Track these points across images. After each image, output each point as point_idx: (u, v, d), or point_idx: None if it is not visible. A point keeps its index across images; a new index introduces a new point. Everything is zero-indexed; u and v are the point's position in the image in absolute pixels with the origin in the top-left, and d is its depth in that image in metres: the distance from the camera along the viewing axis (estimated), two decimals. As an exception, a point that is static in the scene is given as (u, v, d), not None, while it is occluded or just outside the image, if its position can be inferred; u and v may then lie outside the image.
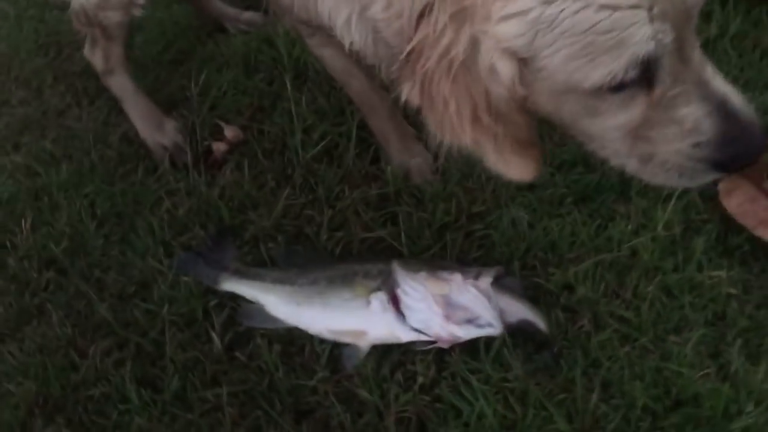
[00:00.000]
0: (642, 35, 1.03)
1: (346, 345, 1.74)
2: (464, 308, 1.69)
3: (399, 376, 1.69)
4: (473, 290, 1.69)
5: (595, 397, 1.57)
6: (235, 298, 1.89)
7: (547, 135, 2.07)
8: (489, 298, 1.68)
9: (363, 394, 1.66)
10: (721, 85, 1.14)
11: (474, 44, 1.15)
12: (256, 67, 2.58)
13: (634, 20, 1.02)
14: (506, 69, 1.14)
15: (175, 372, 1.78)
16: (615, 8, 1.02)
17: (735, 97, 1.14)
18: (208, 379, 1.77)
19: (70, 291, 2.03)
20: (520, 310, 1.68)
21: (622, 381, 1.59)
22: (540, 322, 1.67)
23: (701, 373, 1.58)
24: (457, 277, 1.73)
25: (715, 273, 1.73)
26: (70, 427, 1.74)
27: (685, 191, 1.91)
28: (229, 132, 2.35)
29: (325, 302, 1.79)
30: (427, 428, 1.63)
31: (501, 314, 1.67)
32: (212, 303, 1.89)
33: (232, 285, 1.89)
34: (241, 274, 1.91)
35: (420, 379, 1.66)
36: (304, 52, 2.50)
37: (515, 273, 1.80)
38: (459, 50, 1.16)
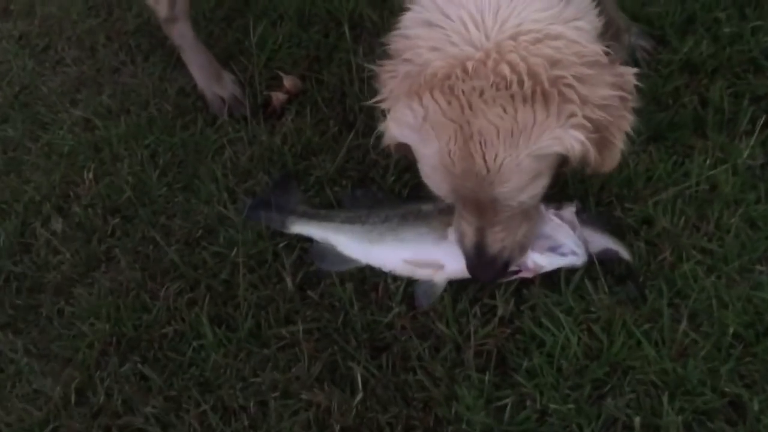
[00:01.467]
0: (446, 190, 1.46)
1: (421, 282, 1.71)
2: (547, 237, 1.65)
3: (477, 309, 1.66)
4: (556, 219, 1.66)
5: (683, 325, 1.53)
6: (304, 239, 1.88)
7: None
8: (573, 228, 1.65)
9: (440, 327, 1.64)
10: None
11: None
12: (310, 20, 2.56)
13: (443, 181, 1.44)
14: None
15: (248, 310, 1.77)
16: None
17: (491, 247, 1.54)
18: (281, 317, 1.76)
19: (136, 237, 2.03)
20: (603, 240, 1.66)
21: (711, 310, 1.55)
22: (624, 252, 1.64)
23: (792, 300, 1.54)
24: (540, 206, 1.70)
25: (799, 203, 1.68)
26: (145, 363, 1.74)
27: (765, 125, 1.87)
28: (288, 82, 2.33)
29: (399, 238, 1.76)
30: (507, 360, 1.60)
31: (584, 243, 1.64)
32: (281, 245, 1.88)
33: (302, 227, 1.88)
34: (310, 216, 1.89)
35: (500, 312, 1.63)
36: (360, 4, 2.48)
37: (591, 209, 1.77)
38: None
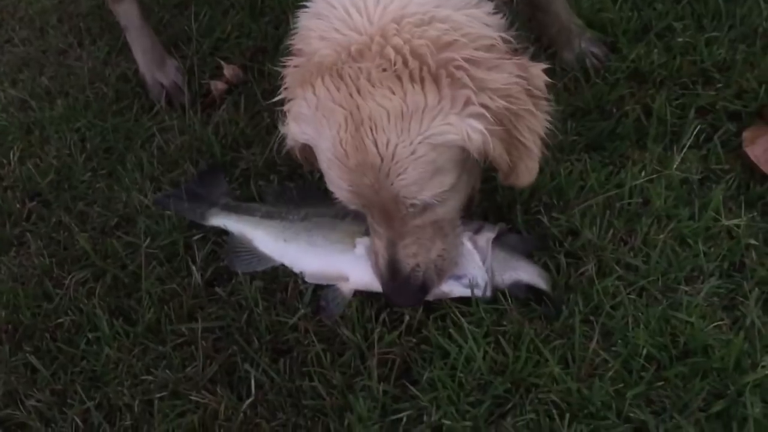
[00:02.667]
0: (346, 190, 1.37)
1: (328, 291, 1.62)
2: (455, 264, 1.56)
3: (385, 316, 1.57)
4: (468, 244, 1.56)
5: (594, 343, 1.44)
6: (220, 233, 1.79)
7: (561, 80, 1.96)
8: (483, 257, 1.55)
9: (345, 333, 1.55)
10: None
11: None
12: (262, 10, 2.48)
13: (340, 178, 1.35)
14: None
15: (150, 304, 1.68)
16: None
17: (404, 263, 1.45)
18: (184, 313, 1.67)
19: (51, 222, 1.94)
20: (518, 272, 1.55)
21: (625, 329, 1.46)
22: (542, 284, 1.53)
23: (713, 324, 1.44)
24: (457, 226, 1.60)
25: (733, 222, 1.59)
26: (37, 354, 1.65)
27: (707, 140, 1.78)
28: (229, 71, 2.25)
29: (311, 241, 1.68)
30: (411, 371, 1.50)
31: (494, 274, 1.54)
32: (196, 237, 1.79)
33: (221, 219, 1.79)
34: (231, 209, 1.80)
35: (406, 320, 1.54)
36: (313, -3, 2.40)
37: (517, 217, 1.68)
38: None
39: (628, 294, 1.51)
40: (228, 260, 1.74)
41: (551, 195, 1.72)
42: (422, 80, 1.23)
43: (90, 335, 1.65)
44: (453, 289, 1.54)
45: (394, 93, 1.24)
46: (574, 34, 2.05)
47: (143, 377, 1.57)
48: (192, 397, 1.51)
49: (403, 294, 1.49)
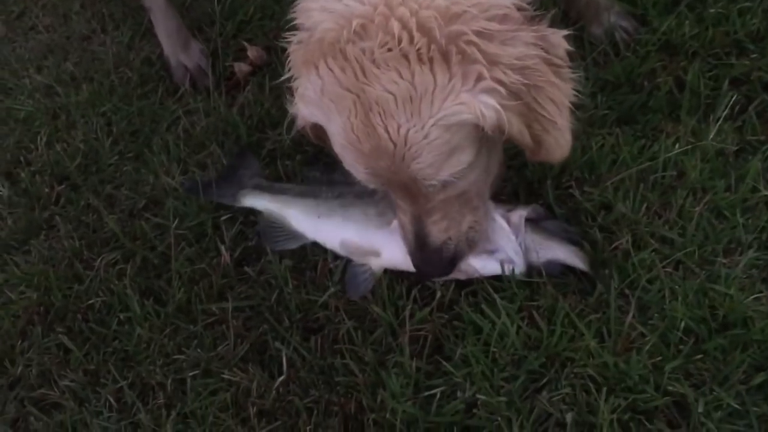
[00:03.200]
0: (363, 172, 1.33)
1: (355, 267, 1.60)
2: (487, 239, 1.54)
3: (416, 293, 1.55)
4: (500, 221, 1.53)
5: (630, 317, 1.41)
6: (248, 212, 1.78)
7: (590, 54, 1.93)
8: (517, 233, 1.52)
9: (376, 310, 1.54)
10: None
11: None
12: (285, -9, 2.46)
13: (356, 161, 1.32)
14: None
15: (180, 284, 1.68)
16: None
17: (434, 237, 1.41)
18: (214, 292, 1.67)
19: (80, 205, 1.95)
20: (553, 250, 1.52)
21: (662, 302, 1.43)
22: (580, 262, 1.51)
23: (752, 296, 1.41)
24: (488, 205, 1.58)
25: (772, 193, 1.55)
26: (69, 335, 1.65)
27: (741, 111, 1.74)
28: (253, 52, 2.23)
29: (346, 216, 1.65)
30: (443, 348, 1.49)
31: (529, 252, 1.52)
32: (224, 217, 1.79)
33: (253, 200, 1.77)
34: (263, 189, 1.77)
35: (438, 296, 1.52)
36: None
37: (548, 193, 1.65)
38: None
39: (664, 267, 1.48)
40: (261, 237, 1.72)
41: (583, 169, 1.69)
42: (431, 60, 1.17)
43: (121, 315, 1.66)
44: (486, 264, 1.52)
45: (401, 76, 1.17)
46: (603, 7, 2.01)
47: (175, 356, 1.57)
48: (224, 375, 1.51)
49: (432, 265, 1.46)
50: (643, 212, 1.59)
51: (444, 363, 1.44)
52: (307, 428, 1.40)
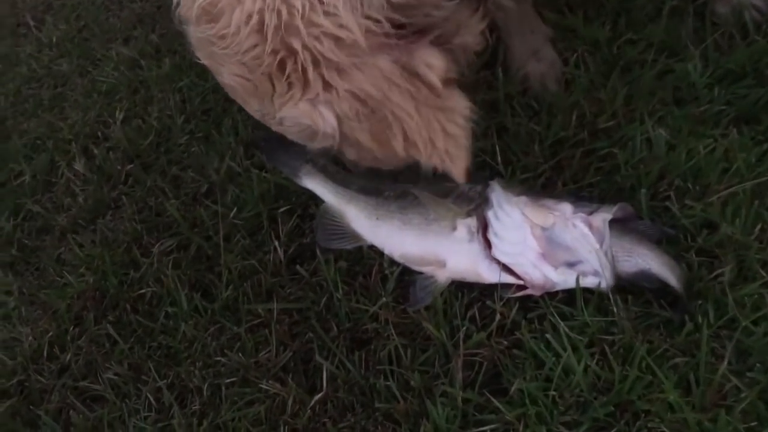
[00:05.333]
0: None
1: (421, 278, 1.44)
2: (567, 248, 1.33)
3: (475, 312, 1.38)
4: (582, 227, 1.33)
5: (724, 365, 1.17)
6: (306, 205, 1.66)
7: (711, 37, 1.65)
8: (602, 240, 1.31)
9: (429, 328, 1.37)
10: None
11: None
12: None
13: None
14: None
15: (229, 281, 1.59)
16: None
17: None
18: (263, 291, 1.56)
19: (146, 186, 1.90)
20: (643, 259, 1.30)
21: (765, 351, 1.18)
22: (672, 278, 1.27)
23: None
24: (566, 208, 1.37)
25: None
26: (118, 325, 1.61)
27: None
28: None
29: (405, 220, 1.49)
30: (501, 378, 1.31)
31: (615, 262, 1.30)
32: (282, 209, 1.67)
33: (314, 182, 1.62)
34: (327, 174, 1.62)
35: (497, 318, 1.34)
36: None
37: (641, 204, 1.41)
38: None
39: (775, 306, 1.23)
40: (316, 234, 1.60)
41: (686, 178, 1.44)
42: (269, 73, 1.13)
43: (169, 309, 1.59)
44: (567, 278, 1.32)
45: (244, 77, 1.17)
46: (732, -18, 1.71)
47: (216, 358, 1.48)
48: (262, 386, 1.41)
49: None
50: (756, 235, 1.32)
51: (493, 400, 1.26)
52: (338, 458, 1.27)
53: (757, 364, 1.18)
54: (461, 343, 1.34)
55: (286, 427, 1.33)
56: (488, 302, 1.38)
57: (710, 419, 1.14)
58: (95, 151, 2.03)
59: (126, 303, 1.64)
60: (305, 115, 1.15)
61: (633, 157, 1.49)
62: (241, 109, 1.93)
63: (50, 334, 1.64)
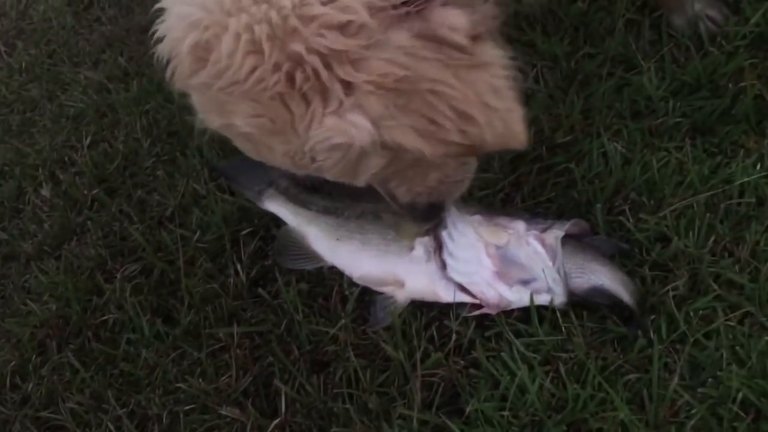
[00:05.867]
0: None
1: (380, 298, 1.44)
2: (521, 266, 1.34)
3: (433, 331, 1.38)
4: (535, 244, 1.33)
5: (676, 380, 1.17)
6: (268, 227, 1.66)
7: (667, 48, 1.66)
8: (554, 257, 1.31)
9: (388, 348, 1.37)
10: None
11: None
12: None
13: None
14: None
15: (191, 305, 1.58)
16: None
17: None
18: (225, 315, 1.56)
19: (112, 211, 1.89)
20: (596, 275, 1.30)
21: (719, 365, 1.18)
22: (625, 294, 1.28)
23: (836, 366, 1.14)
24: (519, 226, 1.37)
25: None
26: (80, 353, 1.60)
27: None
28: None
29: (364, 240, 1.50)
30: (460, 398, 1.31)
31: (568, 279, 1.30)
32: (244, 232, 1.67)
33: (276, 205, 1.63)
34: (289, 196, 1.63)
35: (454, 338, 1.34)
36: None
37: (597, 218, 1.42)
38: None
39: (727, 320, 1.23)
40: (277, 256, 1.60)
41: (641, 191, 1.45)
42: (280, 95, 0.99)
43: (131, 336, 1.58)
44: (521, 296, 1.32)
45: (254, 114, 1.02)
46: (688, -7, 1.71)
47: (177, 384, 1.48)
48: (221, 412, 1.40)
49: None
50: (709, 248, 1.33)
51: (448, 422, 1.25)
52: (294, 484, 1.26)
53: (710, 379, 1.18)
54: (419, 363, 1.34)
55: (244, 454, 1.33)
56: (446, 321, 1.38)
57: (662, 436, 1.14)
58: (61, 177, 2.02)
59: (88, 330, 1.63)
60: (335, 132, 0.99)
61: (589, 172, 1.50)
62: (205, 131, 1.95)
63: (12, 363, 1.63)
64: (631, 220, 1.40)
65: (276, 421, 1.35)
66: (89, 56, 2.49)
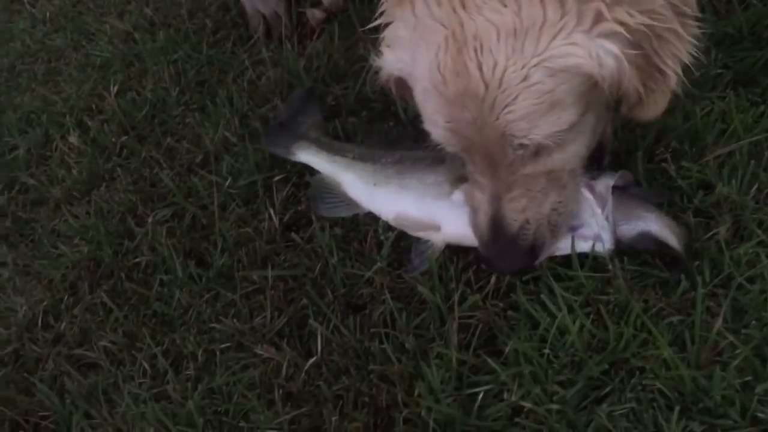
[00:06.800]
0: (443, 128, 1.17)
1: (418, 242, 1.43)
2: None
3: (470, 276, 1.37)
4: (584, 192, 1.31)
5: (720, 322, 1.17)
6: (301, 173, 1.65)
7: (710, 4, 1.63)
8: (603, 204, 1.30)
9: (424, 291, 1.37)
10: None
11: None
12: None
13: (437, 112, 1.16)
14: None
15: (224, 249, 1.58)
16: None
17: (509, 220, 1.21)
18: (258, 259, 1.56)
19: (141, 157, 1.89)
20: (644, 222, 1.29)
21: (763, 307, 1.18)
22: (672, 239, 1.26)
23: None
24: (577, 175, 1.36)
25: None
26: (112, 293, 1.60)
27: None
28: (328, -1, 2.08)
29: (402, 184, 1.48)
30: (497, 340, 1.31)
31: (616, 225, 1.29)
32: (277, 178, 1.67)
33: (309, 156, 1.62)
34: (321, 145, 1.62)
35: (493, 281, 1.34)
36: None
37: (638, 165, 1.40)
38: None
39: (770, 265, 1.22)
40: (312, 202, 1.59)
41: (683, 139, 1.43)
42: None
43: (164, 277, 1.58)
44: (569, 243, 1.31)
45: (505, 5, 1.03)
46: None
47: (211, 325, 1.48)
48: (257, 351, 1.40)
49: (507, 258, 1.25)
50: (752, 196, 1.32)
51: (490, 360, 1.25)
52: (333, 419, 1.26)
53: (753, 321, 1.17)
54: (456, 306, 1.33)
55: (281, 390, 1.33)
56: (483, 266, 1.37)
57: (705, 375, 1.13)
58: (90, 124, 2.02)
59: (121, 272, 1.63)
60: (582, 51, 1.04)
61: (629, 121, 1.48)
62: (235, 80, 1.94)
63: (45, 303, 1.64)
64: (673, 167, 1.38)
65: (312, 360, 1.35)
66: (114, 7, 2.48)
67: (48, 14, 2.56)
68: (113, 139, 1.97)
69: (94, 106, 2.10)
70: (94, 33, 2.39)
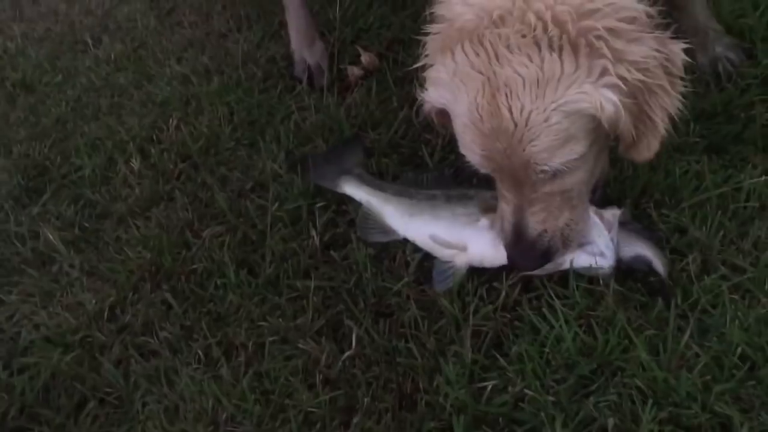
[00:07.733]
0: (479, 155, 1.45)
1: (441, 262, 1.71)
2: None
3: (483, 291, 1.64)
4: (594, 217, 1.60)
5: (686, 336, 1.44)
6: (339, 202, 1.93)
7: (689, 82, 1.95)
8: (609, 228, 1.58)
9: (443, 303, 1.64)
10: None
11: None
12: (404, 4, 2.62)
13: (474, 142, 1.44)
14: None
15: (272, 260, 1.85)
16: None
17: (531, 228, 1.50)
18: (301, 270, 1.82)
19: (197, 182, 2.18)
20: (638, 247, 1.58)
21: (722, 326, 1.45)
22: (658, 264, 1.55)
23: (817, 332, 1.40)
24: (586, 205, 1.64)
25: None
26: (172, 292, 1.86)
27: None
28: (366, 58, 2.40)
29: (435, 215, 1.75)
30: (503, 347, 1.57)
31: (618, 248, 1.57)
32: (318, 204, 1.95)
33: (353, 189, 1.91)
34: (364, 180, 1.92)
35: (502, 296, 1.61)
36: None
37: (626, 211, 1.69)
38: None
39: (730, 294, 1.50)
40: (358, 229, 1.85)
41: (664, 192, 1.73)
42: (560, 48, 1.28)
43: (218, 281, 1.84)
44: (579, 258, 1.57)
45: (531, 60, 1.29)
46: (711, 38, 2.02)
47: (259, 323, 1.73)
48: (299, 345, 1.66)
49: (526, 257, 1.52)
50: (719, 239, 1.60)
51: (500, 358, 1.52)
52: (365, 400, 1.51)
53: (714, 337, 1.44)
54: (471, 316, 1.60)
55: (321, 376, 1.58)
56: (495, 284, 1.65)
57: (674, 377, 1.40)
58: (151, 151, 2.30)
59: (180, 275, 1.89)
60: (589, 99, 1.30)
61: (620, 175, 1.78)
62: (282, 121, 2.24)
63: (111, 299, 1.89)
64: (655, 213, 1.67)
65: (348, 353, 1.61)
66: (172, 53, 2.79)
67: (112, 55, 2.87)
68: (171, 166, 2.26)
69: (154, 137, 2.39)
70: (154, 74, 2.70)
